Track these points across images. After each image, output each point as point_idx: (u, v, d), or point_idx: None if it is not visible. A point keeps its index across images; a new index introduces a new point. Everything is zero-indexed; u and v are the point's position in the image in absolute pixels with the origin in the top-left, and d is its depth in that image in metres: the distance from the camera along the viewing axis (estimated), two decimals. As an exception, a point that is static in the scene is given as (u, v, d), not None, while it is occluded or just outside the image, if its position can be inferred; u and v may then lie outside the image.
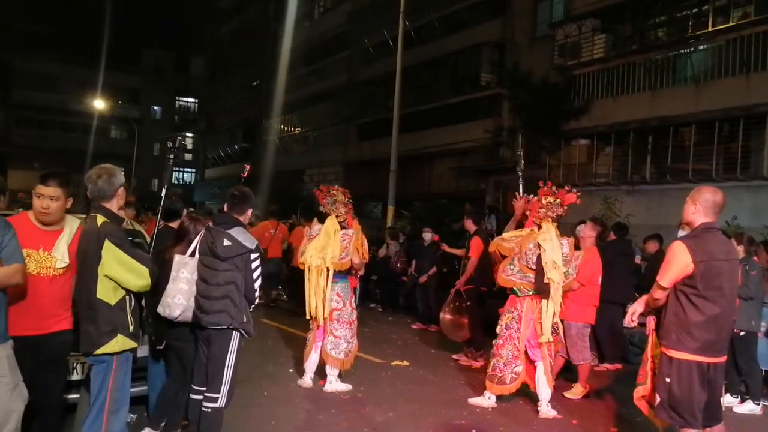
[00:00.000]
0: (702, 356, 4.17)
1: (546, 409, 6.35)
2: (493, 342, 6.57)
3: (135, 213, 7.52)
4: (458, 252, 9.92)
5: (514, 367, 6.35)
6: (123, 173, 4.22)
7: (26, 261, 3.81)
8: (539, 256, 6.15)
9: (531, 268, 6.23)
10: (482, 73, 23.27)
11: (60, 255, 4.01)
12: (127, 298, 4.02)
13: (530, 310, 6.35)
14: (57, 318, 4.03)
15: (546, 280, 6.12)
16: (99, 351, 3.92)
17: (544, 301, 6.24)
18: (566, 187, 6.54)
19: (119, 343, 3.95)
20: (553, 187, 6.42)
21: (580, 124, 18.81)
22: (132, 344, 4.04)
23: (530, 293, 6.33)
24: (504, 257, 6.51)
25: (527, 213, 6.57)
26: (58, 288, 4.03)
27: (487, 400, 6.55)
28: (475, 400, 6.64)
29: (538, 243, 6.19)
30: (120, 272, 3.92)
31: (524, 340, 6.34)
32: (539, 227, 6.35)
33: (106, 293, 3.93)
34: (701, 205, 4.28)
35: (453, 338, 9.09)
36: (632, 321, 4.59)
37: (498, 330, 6.54)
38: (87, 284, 3.93)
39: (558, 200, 6.33)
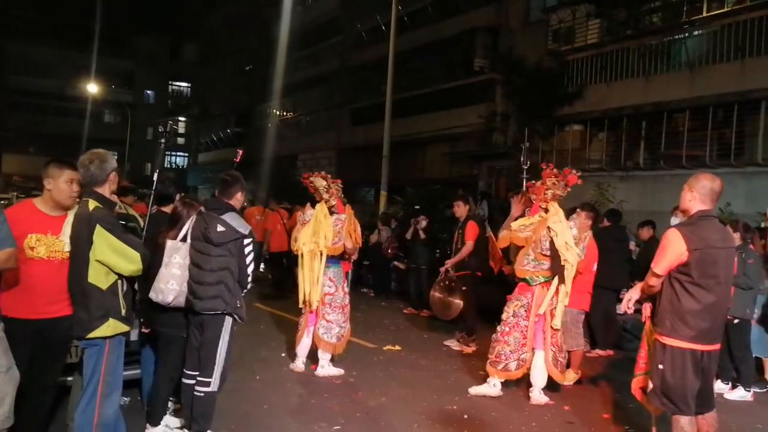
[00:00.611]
0: (696, 344, 4.16)
1: (538, 396, 6.34)
2: (498, 329, 6.47)
3: (135, 199, 7.45)
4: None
5: (521, 354, 6.27)
6: (115, 158, 4.22)
7: (36, 246, 3.94)
8: (551, 241, 6.11)
9: (545, 255, 6.16)
10: (476, 58, 23.18)
11: (67, 239, 4.03)
12: (119, 282, 4.03)
13: (541, 297, 6.27)
14: (65, 302, 4.05)
15: (563, 262, 6.07)
16: (91, 335, 3.93)
17: (561, 287, 6.16)
18: (567, 168, 6.48)
19: (111, 327, 3.96)
20: (555, 169, 6.37)
21: (574, 109, 18.79)
22: (124, 328, 4.04)
23: (541, 281, 6.26)
24: (520, 248, 6.45)
25: (532, 198, 6.51)
26: (66, 272, 4.04)
27: (491, 388, 6.44)
28: (478, 389, 6.50)
29: (548, 227, 6.14)
30: (112, 257, 3.92)
31: (533, 328, 6.28)
32: (546, 211, 6.30)
33: (97, 278, 3.94)
34: (698, 193, 4.26)
35: (440, 316, 9.08)
36: (628, 308, 4.58)
37: (504, 317, 6.44)
38: (79, 269, 3.94)
39: (563, 181, 6.28)
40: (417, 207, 14.68)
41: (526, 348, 6.27)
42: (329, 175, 7.15)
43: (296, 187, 24.99)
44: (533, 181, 6.60)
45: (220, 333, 4.55)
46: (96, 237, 3.89)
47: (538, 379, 6.35)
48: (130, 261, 3.97)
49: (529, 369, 6.34)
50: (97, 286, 3.93)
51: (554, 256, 6.12)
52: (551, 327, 6.27)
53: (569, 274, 6.14)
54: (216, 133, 45.82)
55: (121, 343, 4.10)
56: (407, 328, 10.25)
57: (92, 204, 3.98)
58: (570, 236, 6.16)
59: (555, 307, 6.24)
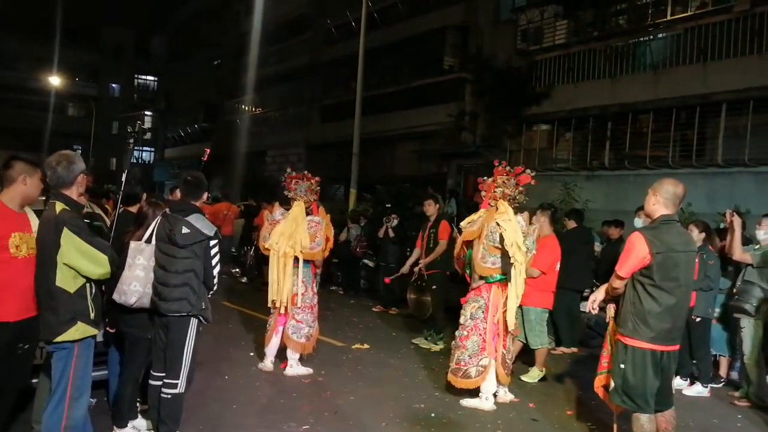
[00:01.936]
0: (656, 345, 4.30)
1: (503, 394, 6.38)
2: (456, 333, 6.37)
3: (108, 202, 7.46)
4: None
5: (480, 360, 6.10)
6: (82, 160, 4.16)
7: (20, 244, 3.94)
8: (501, 236, 6.00)
9: (497, 247, 6.05)
10: (445, 56, 23.26)
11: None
12: (88, 285, 4.01)
13: (497, 297, 6.17)
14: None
15: (511, 261, 5.93)
16: (59, 339, 3.91)
17: (510, 286, 6.00)
18: (520, 167, 6.41)
19: (79, 330, 3.94)
20: (507, 167, 6.33)
21: (542, 109, 18.98)
22: (92, 331, 4.03)
23: (496, 279, 6.16)
24: (470, 244, 6.41)
25: (482, 195, 6.46)
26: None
27: (485, 402, 6.16)
28: (470, 402, 6.20)
29: (497, 222, 6.04)
30: (79, 260, 3.90)
31: (491, 331, 6.15)
32: (496, 208, 6.21)
33: (65, 281, 3.91)
34: (662, 197, 4.39)
35: (416, 316, 9.17)
36: (593, 309, 4.70)
37: (462, 320, 6.31)
38: (46, 272, 3.91)
39: (513, 180, 6.21)
40: (388, 205, 14.73)
41: (486, 352, 6.11)
42: (308, 173, 7.15)
43: (265, 184, 25.01)
44: (484, 178, 6.52)
45: (186, 335, 4.53)
46: (63, 240, 3.86)
47: (490, 386, 6.22)
48: (98, 264, 3.95)
49: (488, 375, 6.16)
50: (64, 289, 3.91)
51: (504, 253, 6.02)
52: (505, 329, 6.19)
53: (518, 273, 5.97)
54: (183, 128, 45.34)
55: (90, 346, 4.08)
56: (376, 326, 10.31)
57: (59, 206, 3.95)
58: (519, 235, 5.98)
59: (506, 310, 6.12)
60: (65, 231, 3.86)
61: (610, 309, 4.77)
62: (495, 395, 6.29)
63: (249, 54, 33.26)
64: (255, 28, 32.07)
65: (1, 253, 3.87)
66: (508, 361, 6.36)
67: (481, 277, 6.27)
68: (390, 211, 13.30)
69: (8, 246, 3.90)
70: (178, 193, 4.92)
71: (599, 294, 4.69)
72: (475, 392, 6.23)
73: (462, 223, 6.62)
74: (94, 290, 4.07)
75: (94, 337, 4.10)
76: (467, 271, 6.60)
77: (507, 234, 5.94)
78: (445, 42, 23.32)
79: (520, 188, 6.27)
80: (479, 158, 20.81)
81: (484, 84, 19.88)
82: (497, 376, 6.22)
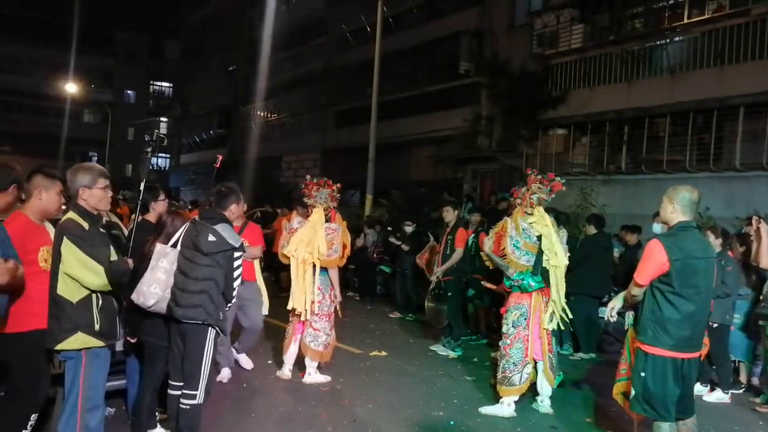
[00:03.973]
0: (677, 352, 4.28)
1: (547, 404, 6.36)
2: (500, 343, 6.39)
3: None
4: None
5: (524, 367, 6.15)
6: (92, 173, 4.18)
7: (47, 257, 3.99)
8: (540, 237, 6.17)
9: (534, 246, 6.17)
10: (461, 61, 23.20)
11: None
12: (94, 296, 4.01)
13: (538, 302, 6.23)
14: None
15: (545, 265, 6.15)
16: (59, 347, 3.96)
17: (552, 289, 6.21)
18: (551, 173, 6.54)
19: (79, 340, 3.96)
20: (540, 175, 6.41)
21: (558, 113, 18.90)
22: (95, 342, 4.01)
23: (537, 287, 6.21)
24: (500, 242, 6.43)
25: (517, 203, 6.48)
26: None
27: (506, 408, 6.18)
28: (489, 410, 6.24)
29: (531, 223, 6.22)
30: (78, 270, 3.92)
31: (533, 338, 6.19)
32: (531, 215, 6.32)
33: (67, 290, 3.95)
34: (679, 204, 4.38)
35: (435, 325, 9.13)
36: (611, 317, 4.69)
37: (504, 329, 6.33)
38: (53, 281, 3.97)
39: (548, 187, 6.32)
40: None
41: (528, 359, 6.17)
42: (329, 180, 7.15)
43: (280, 189, 25.07)
44: (517, 187, 6.61)
45: (204, 345, 4.52)
46: (63, 249, 3.91)
47: (546, 388, 6.34)
48: (95, 274, 3.95)
49: (533, 380, 6.28)
50: (66, 298, 3.94)
51: (539, 254, 6.19)
52: (545, 331, 6.25)
53: (558, 276, 6.23)
54: (198, 134, 45.50)
55: (100, 357, 4.07)
56: (393, 332, 10.30)
57: (67, 216, 4.04)
58: (556, 239, 6.26)
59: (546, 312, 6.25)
60: (65, 240, 3.92)
61: (629, 316, 4.76)
62: (541, 401, 6.35)
63: (264, 59, 33.37)
64: (269, 33, 32.17)
65: (32, 266, 3.93)
66: (555, 364, 6.39)
67: (522, 279, 6.24)
68: (404, 217, 13.21)
69: (38, 260, 3.97)
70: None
71: (617, 302, 4.69)
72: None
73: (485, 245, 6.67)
74: (101, 302, 4.06)
75: (108, 348, 4.12)
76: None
77: (545, 239, 6.16)
78: (461, 47, 23.28)
79: (553, 194, 6.38)
80: (495, 163, 20.76)
81: (500, 88, 19.83)
82: (546, 380, 6.28)
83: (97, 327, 3.99)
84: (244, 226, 6.96)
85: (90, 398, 4.00)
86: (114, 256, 4.18)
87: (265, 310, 7.21)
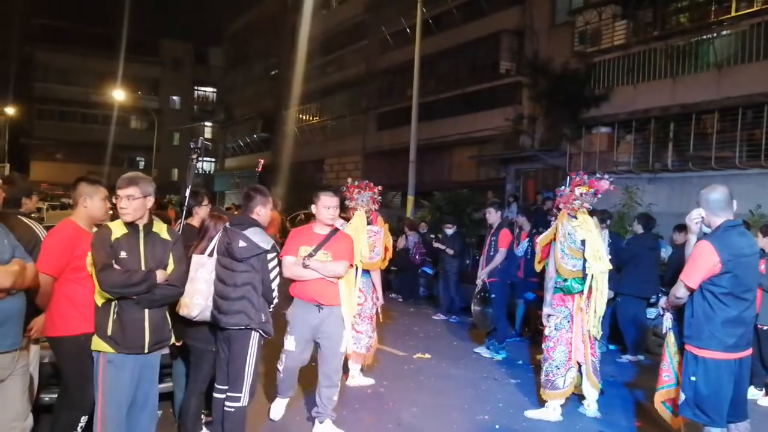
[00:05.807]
0: (731, 353, 4.17)
1: (595, 407, 6.27)
2: (543, 346, 6.33)
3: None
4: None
5: (568, 371, 6.10)
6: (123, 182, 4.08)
7: None
8: (584, 242, 6.08)
9: (579, 250, 6.10)
10: (501, 60, 23.07)
11: None
12: (113, 303, 3.99)
13: (579, 306, 6.16)
14: None
15: (587, 271, 6.05)
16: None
17: (595, 292, 6.10)
18: (595, 177, 6.33)
19: (95, 342, 4.01)
20: (585, 177, 6.27)
21: (601, 111, 18.64)
22: (104, 347, 3.97)
23: (579, 290, 6.14)
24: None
25: (560, 206, 6.37)
26: None
27: (551, 412, 6.11)
28: (535, 413, 6.18)
29: (575, 227, 6.11)
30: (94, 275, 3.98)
31: (577, 341, 6.13)
32: (575, 219, 6.22)
33: (98, 294, 4.00)
34: (710, 208, 4.30)
35: (483, 329, 9.05)
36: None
37: (547, 332, 6.27)
38: None
39: (592, 189, 6.19)
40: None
41: (572, 363, 6.11)
42: (370, 183, 7.15)
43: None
44: (561, 188, 6.46)
45: (248, 349, 4.56)
46: (90, 255, 4.02)
47: (591, 391, 6.26)
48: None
49: (578, 384, 6.24)
50: (95, 302, 4.03)
51: (582, 267, 6.13)
52: (590, 336, 6.19)
53: (602, 282, 6.12)
54: (242, 138, 46.11)
55: (112, 363, 3.99)
56: (437, 335, 10.25)
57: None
58: (600, 245, 6.15)
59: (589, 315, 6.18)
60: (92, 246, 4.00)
61: (668, 320, 4.66)
62: (588, 405, 6.26)
63: (305, 64, 33.65)
64: (310, 38, 32.43)
65: (79, 271, 4.09)
66: (598, 367, 6.31)
67: (565, 280, 6.19)
68: (445, 219, 13.12)
69: (86, 265, 4.08)
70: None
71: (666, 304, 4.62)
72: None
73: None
74: (118, 309, 3.99)
75: (137, 354, 4.05)
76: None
77: (588, 243, 6.05)
78: (501, 46, 23.14)
79: (599, 196, 6.25)
80: (538, 162, 20.57)
81: (542, 87, 19.66)
82: (589, 384, 6.20)
83: (109, 332, 3.97)
84: (330, 234, 5.49)
85: (108, 404, 3.98)
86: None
87: (343, 347, 5.68)
